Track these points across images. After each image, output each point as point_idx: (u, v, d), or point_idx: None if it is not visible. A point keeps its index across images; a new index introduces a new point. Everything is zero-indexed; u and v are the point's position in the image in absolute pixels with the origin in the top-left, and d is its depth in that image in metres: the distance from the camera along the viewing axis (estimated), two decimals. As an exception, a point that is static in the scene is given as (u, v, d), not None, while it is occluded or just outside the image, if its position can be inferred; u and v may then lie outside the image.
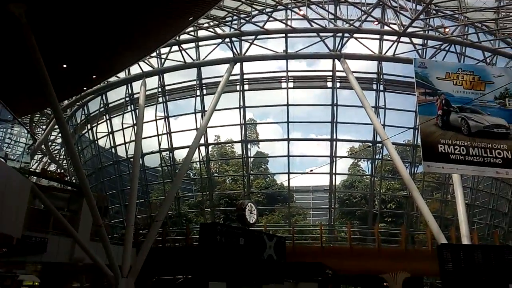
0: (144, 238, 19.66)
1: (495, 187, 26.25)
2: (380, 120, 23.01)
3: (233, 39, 22.89)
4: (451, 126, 18.62)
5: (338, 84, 23.71)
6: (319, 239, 21.51)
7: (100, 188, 28.15)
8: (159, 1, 11.74)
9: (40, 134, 33.61)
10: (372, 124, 22.25)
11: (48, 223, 15.52)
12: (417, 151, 23.23)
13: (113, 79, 24.68)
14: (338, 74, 23.36)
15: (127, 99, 26.03)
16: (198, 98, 24.38)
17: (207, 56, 23.63)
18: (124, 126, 25.95)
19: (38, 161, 40.92)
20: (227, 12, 22.35)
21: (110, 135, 27.00)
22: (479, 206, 26.50)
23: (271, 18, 22.14)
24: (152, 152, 26.07)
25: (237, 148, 28.46)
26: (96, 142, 28.47)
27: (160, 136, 25.13)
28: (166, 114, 25.14)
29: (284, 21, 22.14)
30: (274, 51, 23.08)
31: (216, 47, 23.53)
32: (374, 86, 23.94)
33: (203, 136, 23.41)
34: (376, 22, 22.05)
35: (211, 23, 22.75)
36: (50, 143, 36.84)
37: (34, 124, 33.49)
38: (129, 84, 25.60)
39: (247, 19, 22.56)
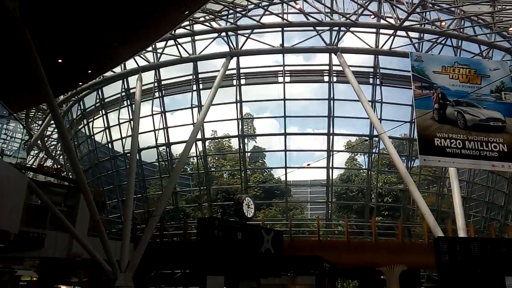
0: (142, 233, 19.70)
1: (491, 180, 26.41)
2: (376, 114, 23.05)
3: (229, 33, 22.80)
4: (447, 120, 18.70)
5: (334, 78, 23.72)
6: (317, 232, 21.62)
7: (97, 184, 28.11)
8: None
9: (36, 130, 33.48)
10: (369, 118, 22.28)
11: (46, 219, 15.49)
12: (414, 145, 23.30)
13: (109, 74, 24.55)
14: (334, 68, 23.39)
15: (123, 94, 25.93)
16: (195, 93, 24.33)
17: (203, 50, 23.54)
18: (121, 121, 25.88)
19: (35, 157, 40.81)
20: (223, 6, 22.21)
21: (107, 130, 26.95)
22: (475, 199, 26.67)
23: (267, 12, 22.06)
24: (149, 147, 26.06)
25: (234, 143, 28.45)
26: (93, 137, 28.39)
27: (156, 131, 25.10)
28: (162, 109, 25.08)
29: (280, 15, 22.05)
30: (271, 45, 23.01)
31: (212, 41, 23.45)
32: (371, 80, 23.97)
33: (200, 131, 23.39)
34: (373, 16, 22.03)
35: (207, 17, 22.63)
36: (46, 139, 36.72)
37: (30, 120, 33.35)
38: (125, 79, 25.53)
39: (243, 13, 22.44)
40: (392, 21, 21.66)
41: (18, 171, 12.71)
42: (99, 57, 15.21)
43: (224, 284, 18.97)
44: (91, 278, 22.74)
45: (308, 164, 20.71)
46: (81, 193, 15.55)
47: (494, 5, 22.28)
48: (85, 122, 28.72)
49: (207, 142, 26.62)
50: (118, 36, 13.60)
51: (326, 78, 23.98)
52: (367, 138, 25.08)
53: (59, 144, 36.51)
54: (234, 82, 24.08)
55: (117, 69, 24.36)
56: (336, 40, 22.65)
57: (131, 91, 25.31)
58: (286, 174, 24.66)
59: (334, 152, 24.51)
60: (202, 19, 22.63)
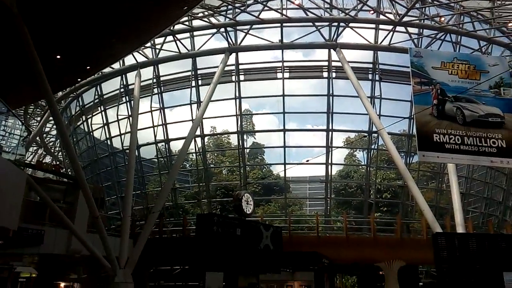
0: (141, 229, 19.71)
1: (489, 176, 26.47)
2: (375, 110, 23.01)
3: (228, 29, 22.72)
4: (446, 116, 18.70)
5: (333, 74, 23.68)
6: (315, 228, 21.67)
7: (96, 180, 28.12)
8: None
9: (34, 126, 33.42)
10: (368, 114, 22.25)
11: (45, 215, 15.52)
12: (413, 141, 23.30)
13: (107, 70, 24.48)
14: (334, 64, 23.33)
15: (122, 90, 25.86)
16: (194, 89, 24.27)
17: (202, 46, 23.46)
18: (119, 117, 25.84)
19: (33, 153, 40.78)
20: (222, 1, 22.12)
21: (105, 127, 26.90)
22: (474, 195, 26.74)
23: (266, 8, 21.95)
24: (148, 144, 26.02)
25: (233, 139, 28.43)
26: (91, 133, 28.35)
27: (155, 128, 25.06)
28: (161, 105, 25.03)
29: (279, 11, 21.98)
30: (270, 41, 22.96)
31: (211, 37, 23.32)
32: (370, 76, 23.92)
33: (199, 127, 23.34)
34: (372, 11, 21.96)
35: (206, 13, 22.51)
36: (45, 135, 36.68)
37: (28, 116, 33.28)
38: (123, 75, 25.45)
39: (242, 8, 22.35)
40: (391, 16, 21.61)
41: (17, 167, 12.70)
42: (98, 53, 15.16)
43: (223, 280, 19.05)
44: (90, 275, 22.79)
45: (307, 160, 20.67)
46: (80, 189, 15.55)
47: (494, 0, 22.23)
48: (84, 119, 28.66)
49: (206, 139, 26.66)
50: (116, 32, 13.55)
51: (325, 74, 23.94)
52: (366, 134, 25.08)
53: (58, 140, 36.48)
54: (233, 78, 24.03)
55: (116, 65, 24.26)
56: (335, 36, 22.59)
57: (130, 87, 25.24)
58: (285, 170, 24.67)
59: (333, 148, 24.52)
60: (201, 14, 22.52)
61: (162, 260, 22.07)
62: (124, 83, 25.62)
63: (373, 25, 22.75)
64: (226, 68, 23.03)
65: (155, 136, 25.27)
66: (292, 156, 27.28)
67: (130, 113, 24.73)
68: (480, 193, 26.62)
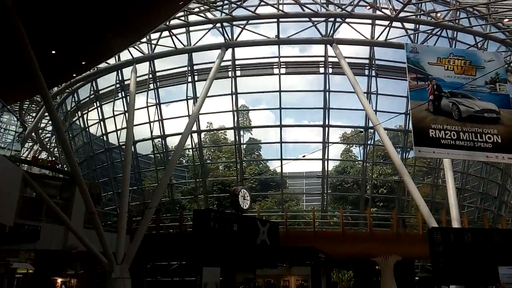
0: (138, 225, 19.70)
1: (485, 171, 26.61)
2: (372, 105, 23.09)
3: (225, 24, 22.64)
4: (442, 111, 18.75)
5: (330, 70, 23.68)
6: (312, 224, 21.71)
7: (92, 176, 28.03)
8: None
9: (30, 122, 33.24)
10: (364, 110, 22.31)
11: (41, 211, 15.46)
12: (409, 136, 23.35)
13: (103, 65, 24.34)
14: (330, 59, 23.32)
15: (118, 85, 25.76)
16: (190, 85, 24.21)
17: (198, 41, 23.37)
18: (115, 113, 25.73)
19: (29, 149, 40.61)
20: (218, -4, 22.07)
21: (101, 122, 26.80)
22: (469, 190, 26.89)
23: (262, 3, 21.86)
24: (144, 139, 25.97)
25: (230, 135, 28.42)
26: (87, 129, 28.24)
27: (152, 123, 24.98)
28: (157, 101, 24.95)
29: (275, 6, 21.90)
30: (266, 37, 22.89)
31: (207, 33, 23.22)
32: (366, 72, 23.95)
33: (195, 123, 23.31)
34: (368, 7, 21.93)
35: (202, 8, 22.41)
36: (40, 131, 36.50)
37: (24, 112, 33.09)
38: (119, 71, 25.35)
39: (238, 3, 22.25)
40: (387, 12, 21.60)
41: (13, 163, 12.64)
42: (93, 48, 15.03)
43: (220, 275, 19.12)
44: (87, 270, 22.79)
45: (304, 156, 20.64)
46: (76, 185, 15.50)
47: (490, -4, 22.27)
48: (80, 114, 28.53)
49: (202, 134, 26.62)
50: (112, 26, 13.45)
51: (321, 70, 23.93)
52: (362, 129, 25.14)
53: (54, 136, 36.31)
54: (230, 73, 23.97)
55: (111, 61, 24.15)
56: (331, 31, 22.55)
57: (126, 82, 25.14)
58: (281, 165, 24.69)
59: (330, 144, 24.54)
60: (197, 9, 22.41)
61: (159, 255, 22.10)
62: (120, 78, 25.53)
63: (369, 21, 22.75)
64: (223, 64, 22.98)
65: (151, 132, 25.17)
66: (289, 151, 27.25)
67: (126, 109, 24.63)
68: (476, 188, 26.78)
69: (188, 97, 24.11)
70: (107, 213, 26.06)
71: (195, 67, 24.19)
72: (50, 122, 32.71)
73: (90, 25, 12.93)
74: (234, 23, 22.59)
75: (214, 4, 22.54)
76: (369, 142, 25.71)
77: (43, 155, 39.85)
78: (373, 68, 23.67)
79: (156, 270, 25.53)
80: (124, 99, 25.57)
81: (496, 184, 27.41)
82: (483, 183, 26.65)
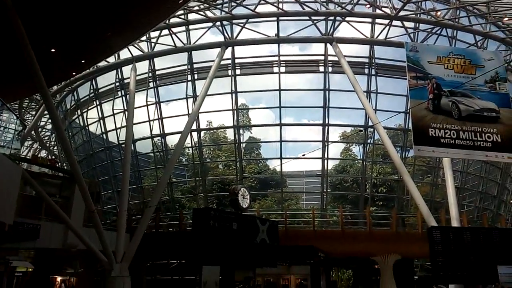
0: (138, 223, 19.71)
1: (484, 170, 26.63)
2: (371, 104, 23.07)
3: (224, 22, 22.59)
4: (442, 110, 18.74)
5: (330, 69, 23.67)
6: (312, 223, 21.73)
7: (92, 174, 28.04)
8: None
9: (29, 120, 33.21)
10: (364, 109, 22.29)
11: (41, 210, 15.48)
12: (408, 135, 23.37)
13: (102, 63, 24.33)
14: (330, 58, 23.32)
15: (117, 84, 25.73)
16: (190, 83, 24.18)
17: (198, 40, 23.34)
18: (115, 111, 25.71)
19: (29, 148, 40.58)
20: (217, -6, 22.04)
21: (101, 121, 26.79)
22: (469, 189, 26.91)
23: (262, 1, 21.81)
24: (144, 138, 25.95)
25: (230, 134, 28.38)
26: (87, 128, 28.23)
27: (151, 122, 24.96)
28: (157, 100, 24.93)
29: (275, 4, 21.86)
30: (266, 35, 22.88)
31: (207, 31, 23.18)
32: (366, 71, 23.93)
33: (195, 122, 23.30)
34: (368, 6, 21.91)
35: (202, 6, 22.38)
36: (40, 129, 36.46)
37: (23, 110, 33.04)
38: (119, 69, 25.32)
39: (238, 1, 22.22)
40: (387, 10, 21.57)
41: (12, 162, 12.63)
42: (93, 46, 15.04)
43: (220, 274, 19.12)
44: (86, 269, 22.81)
45: (303, 155, 20.70)
46: (76, 184, 15.51)
47: (490, -5, 22.24)
48: (79, 113, 28.52)
49: (202, 133, 26.61)
50: (111, 25, 13.45)
51: (321, 69, 23.92)
52: (362, 128, 25.13)
53: (53, 134, 36.29)
54: (229, 72, 23.96)
55: (111, 59, 24.10)
56: (331, 30, 22.52)
57: (125, 81, 25.11)
58: (281, 164, 24.67)
59: (329, 143, 24.54)
60: (196, 8, 22.37)
61: (158, 254, 22.11)
62: (120, 77, 25.50)
63: (369, 19, 22.70)
64: (222, 62, 22.96)
65: (151, 130, 25.15)
66: (289, 150, 27.25)
67: (125, 107, 24.62)
68: (475, 187, 26.80)
69: (188, 96, 24.09)
70: (106, 211, 26.08)
71: (195, 66, 24.16)
72: (49, 121, 32.66)
73: (89, 23, 12.93)
74: (234, 21, 22.55)
75: (214, 3, 22.50)
76: (368, 141, 25.72)
77: (43, 153, 39.81)
78: (373, 67, 23.65)
79: (156, 269, 25.55)
80: (123, 97, 25.55)
81: (496, 183, 27.42)
82: (482, 182, 26.67)
